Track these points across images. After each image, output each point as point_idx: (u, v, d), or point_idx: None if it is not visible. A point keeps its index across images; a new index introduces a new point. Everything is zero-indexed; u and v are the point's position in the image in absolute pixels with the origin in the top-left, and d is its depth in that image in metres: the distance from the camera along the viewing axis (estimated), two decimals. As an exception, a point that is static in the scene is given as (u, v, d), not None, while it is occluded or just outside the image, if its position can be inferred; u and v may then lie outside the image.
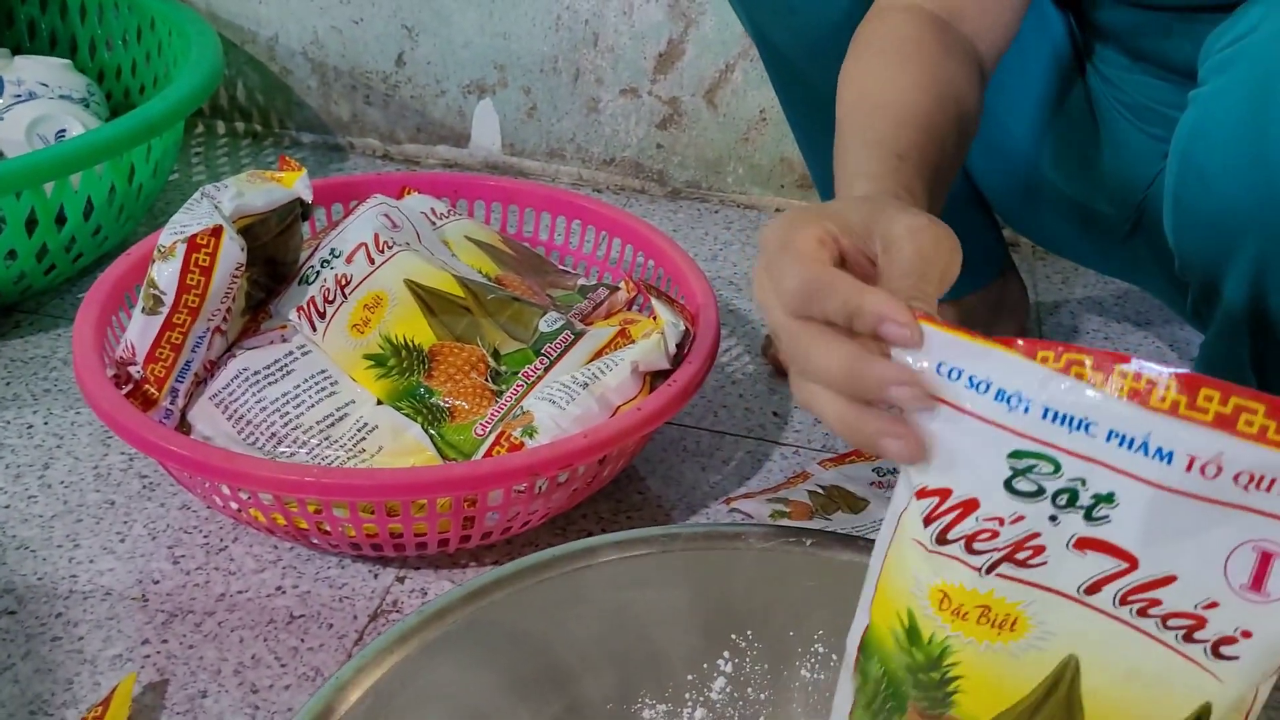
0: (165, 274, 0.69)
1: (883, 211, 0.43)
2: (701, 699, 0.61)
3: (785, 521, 0.75)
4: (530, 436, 0.69)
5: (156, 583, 0.72)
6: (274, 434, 0.72)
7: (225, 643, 0.68)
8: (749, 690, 0.61)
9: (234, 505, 0.68)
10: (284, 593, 0.72)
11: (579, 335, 0.76)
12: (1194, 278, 0.67)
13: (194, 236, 0.69)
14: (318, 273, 0.79)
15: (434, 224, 0.88)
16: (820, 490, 0.79)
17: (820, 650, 0.61)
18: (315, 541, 0.70)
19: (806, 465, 0.85)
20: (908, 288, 0.39)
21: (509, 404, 0.73)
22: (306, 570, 0.74)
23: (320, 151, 1.41)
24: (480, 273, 0.84)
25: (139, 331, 0.70)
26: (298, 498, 0.64)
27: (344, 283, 0.78)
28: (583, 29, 1.27)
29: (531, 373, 0.74)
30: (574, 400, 0.70)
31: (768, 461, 0.87)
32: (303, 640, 0.68)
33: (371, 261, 0.78)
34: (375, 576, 0.73)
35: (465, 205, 0.99)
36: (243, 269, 0.72)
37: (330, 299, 0.77)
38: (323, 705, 0.49)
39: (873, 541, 0.60)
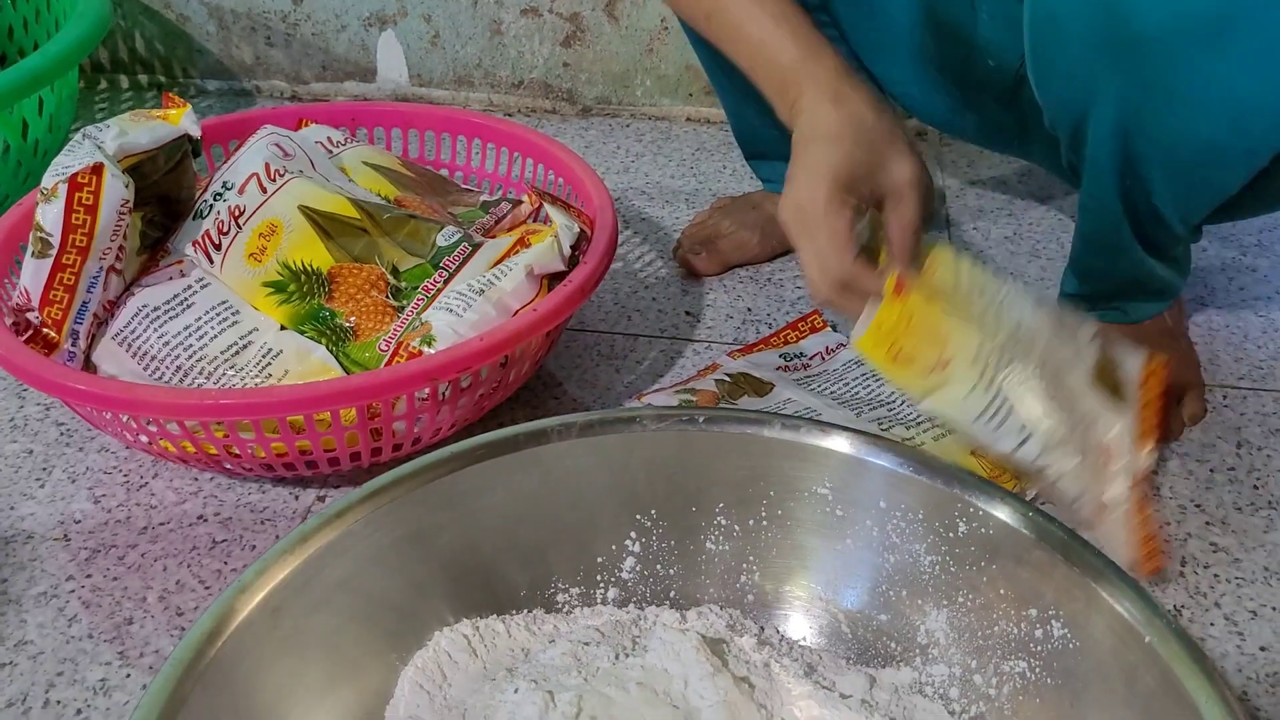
0: (50, 215, 0.69)
1: (884, 157, 0.61)
2: (613, 579, 0.63)
3: (694, 410, 0.77)
4: (429, 345, 0.70)
5: (78, 522, 0.73)
6: (179, 367, 0.73)
7: (149, 572, 0.69)
8: (658, 567, 0.63)
9: (144, 439, 0.69)
10: (206, 521, 0.73)
11: (476, 247, 0.77)
12: (1062, 130, 0.69)
13: (75, 176, 0.69)
14: (211, 206, 0.79)
15: (330, 152, 0.88)
16: (728, 379, 0.80)
17: (722, 522, 0.63)
18: (229, 467, 0.71)
19: (717, 358, 0.86)
20: (909, 243, 0.62)
21: (411, 318, 0.74)
22: (227, 498, 0.75)
23: (227, 98, 1.40)
24: (378, 195, 0.85)
25: (31, 276, 0.70)
26: (201, 422, 0.65)
27: (238, 214, 0.78)
28: (477, -50, 1.26)
29: (431, 286, 0.75)
30: (471, 307, 0.71)
31: (681, 359, 0.89)
32: (225, 563, 0.70)
33: (264, 191, 0.78)
34: (296, 498, 0.75)
35: (365, 134, 0.99)
36: (129, 205, 0.72)
37: (225, 230, 0.77)
38: (225, 608, 0.50)
39: (766, 416, 0.62)
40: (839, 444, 0.60)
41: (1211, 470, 0.76)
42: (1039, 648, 0.54)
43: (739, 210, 1.01)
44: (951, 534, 0.57)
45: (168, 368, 0.73)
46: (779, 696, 0.55)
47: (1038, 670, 0.54)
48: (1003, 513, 0.55)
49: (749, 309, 0.95)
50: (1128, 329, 0.80)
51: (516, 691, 0.53)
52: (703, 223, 1.02)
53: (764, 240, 0.99)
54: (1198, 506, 0.73)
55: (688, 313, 0.95)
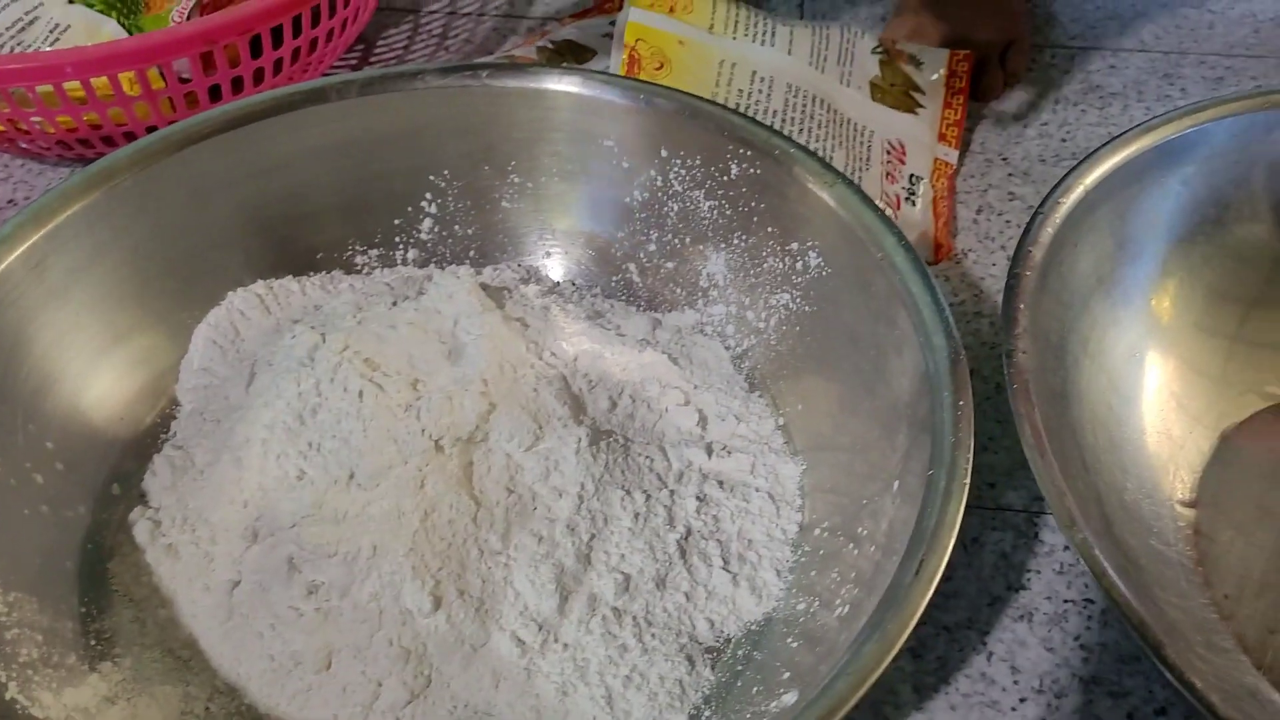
0: None
1: None
2: (412, 240, 0.64)
3: (508, 78, 0.76)
4: None
5: (-115, 212, 0.72)
6: (-36, 46, 0.71)
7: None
8: (455, 227, 0.64)
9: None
10: (15, 204, 0.72)
11: (269, -92, 0.73)
12: None
13: None
14: (-17, -128, 0.73)
15: None
16: (550, 45, 0.79)
17: (516, 180, 0.63)
18: (25, 146, 0.70)
19: (548, 25, 0.84)
20: None
21: (204, -14, 0.71)
22: (38, 182, 0.74)
23: None
24: None
25: None
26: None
27: (11, -122, 0.73)
28: None
29: (224, -48, 0.71)
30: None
31: (514, 36, 0.87)
32: (35, 244, 0.70)
33: None
34: (109, 181, 0.74)
35: None
36: None
37: (-1, -102, 0.73)
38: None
39: (549, 70, 0.61)
40: (620, 96, 0.60)
41: (1025, 126, 0.77)
42: (799, 279, 0.56)
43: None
44: (725, 177, 0.58)
45: (-48, 47, 0.70)
46: (552, 334, 0.57)
47: (798, 300, 0.57)
48: (771, 152, 0.56)
49: (590, -17, 0.92)
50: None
51: (293, 336, 0.55)
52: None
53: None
54: (1003, 159, 0.74)
55: (526, -11, 0.92)
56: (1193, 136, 0.55)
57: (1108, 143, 0.54)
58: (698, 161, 0.59)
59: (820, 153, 0.68)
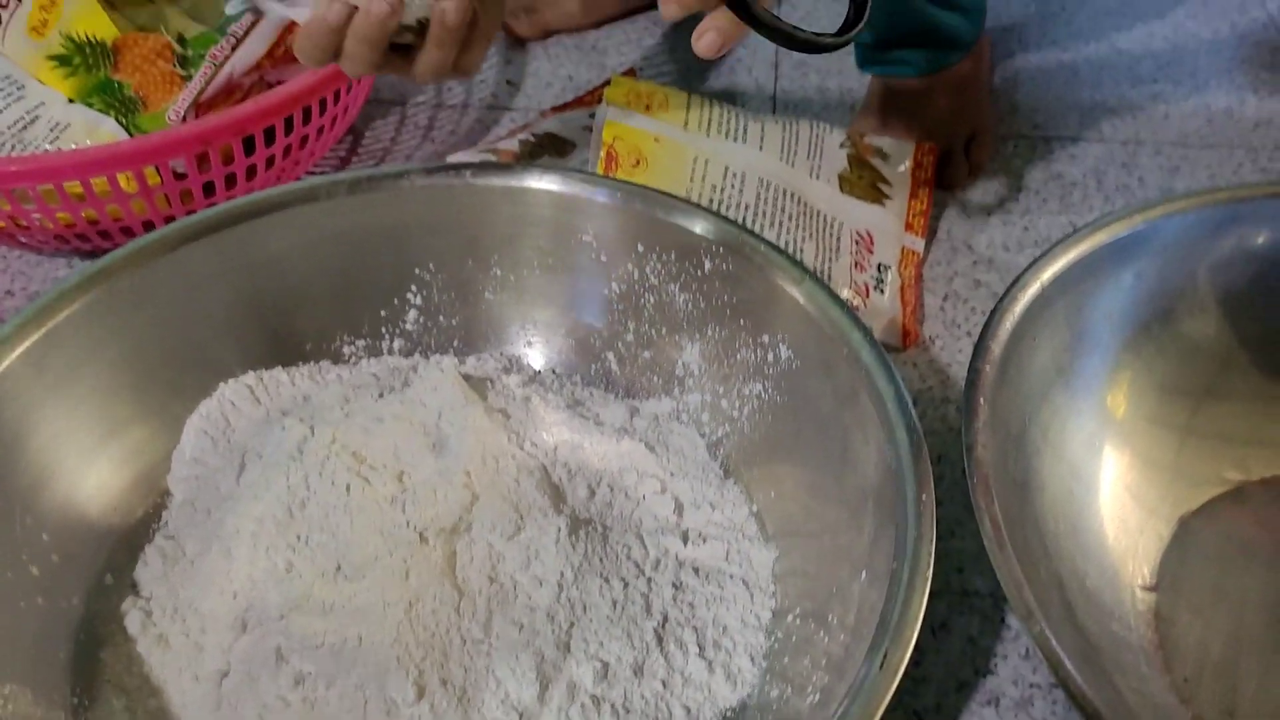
0: None
1: None
2: (398, 330, 0.66)
3: (492, 171, 0.79)
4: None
5: (-116, 302, 0.74)
6: (-34, 144, 0.73)
7: (-45, 345, 0.71)
8: (440, 318, 0.66)
9: (-65, 215, 0.70)
10: (13, 295, 0.74)
11: (262, 14, 0.76)
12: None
13: None
14: (-12, -22, 0.77)
15: (123, -81, 0.85)
16: (532, 138, 0.82)
17: (498, 273, 0.65)
18: (24, 241, 0.72)
19: (529, 117, 0.87)
20: None
21: (198, 86, 0.73)
22: (35, 273, 0.76)
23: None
24: (172, -36, 0.83)
25: None
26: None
27: (15, -16, 0.76)
28: None
29: (219, 53, 0.74)
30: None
31: (496, 127, 0.90)
32: (31, 334, 0.72)
33: (42, -41, 0.76)
34: (104, 272, 0.76)
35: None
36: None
37: (4, 4, 0.76)
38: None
39: (528, 168, 0.63)
40: (597, 194, 0.62)
41: (989, 215, 0.80)
42: (771, 370, 0.59)
43: (563, -26, 0.99)
44: (699, 271, 0.61)
45: (-46, 145, 0.73)
46: (533, 424, 0.59)
47: (770, 390, 0.59)
48: (741, 249, 0.59)
49: (570, 76, 0.95)
50: (919, 81, 0.82)
51: (283, 429, 0.57)
52: (525, -13, 1.00)
53: (587, 6, 0.99)
54: (969, 247, 0.77)
55: (509, 81, 0.95)
56: (1145, 232, 0.58)
57: (1064, 238, 0.57)
58: (672, 256, 0.61)
59: (791, 244, 0.71)
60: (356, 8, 0.51)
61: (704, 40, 0.50)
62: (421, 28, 0.54)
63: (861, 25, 0.53)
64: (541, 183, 0.63)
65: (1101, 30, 0.99)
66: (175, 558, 0.55)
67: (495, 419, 0.58)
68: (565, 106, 0.88)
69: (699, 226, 0.60)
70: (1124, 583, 0.54)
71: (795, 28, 0.50)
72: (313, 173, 0.82)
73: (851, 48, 0.84)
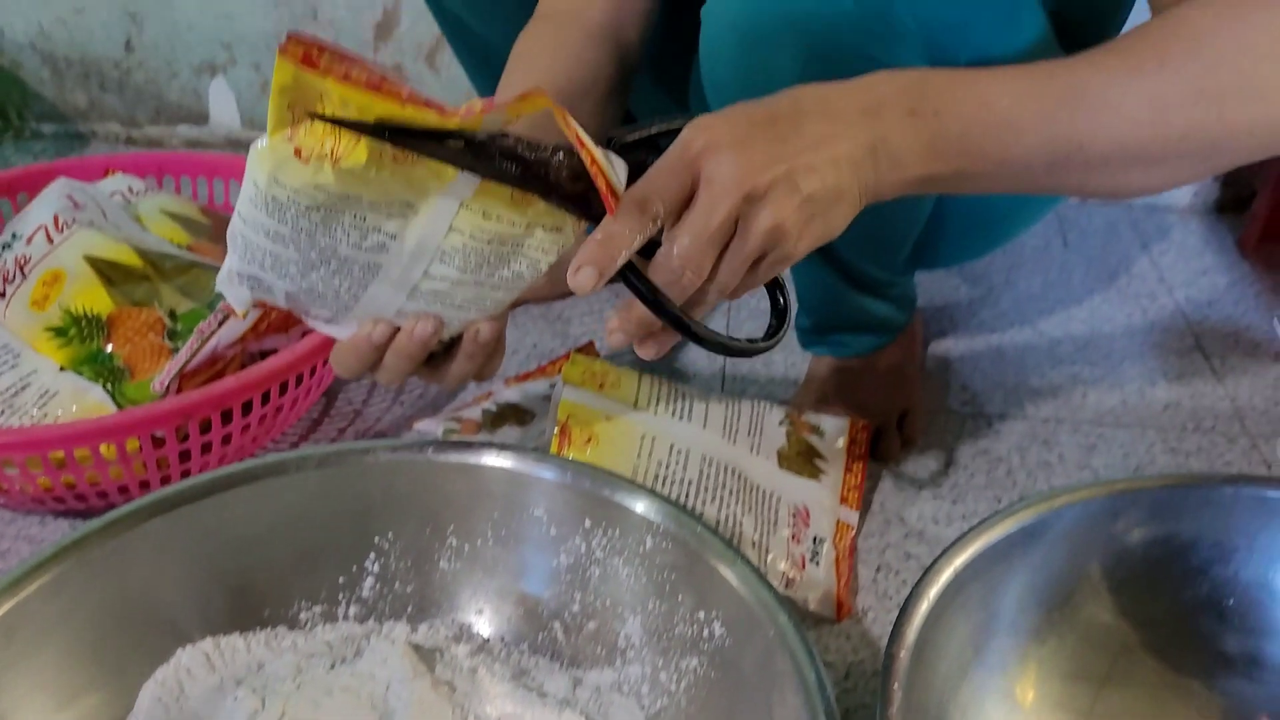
0: None
1: None
2: (355, 597, 0.69)
3: (454, 438, 0.84)
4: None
5: None
6: (-41, 408, 0.78)
7: (-77, 602, 0.73)
8: (396, 585, 0.70)
9: (-80, 476, 0.74)
10: (-15, 553, 0.78)
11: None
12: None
13: None
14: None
15: (129, 200, 0.93)
16: (494, 408, 0.87)
17: (454, 543, 0.69)
18: (2, 502, 0.76)
19: (493, 385, 0.93)
20: None
21: (184, 358, 0.79)
22: (8, 530, 0.79)
23: (62, 141, 1.44)
24: (172, 242, 0.90)
25: None
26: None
27: (23, 263, 0.83)
28: (302, 4, 1.32)
29: (206, 327, 0.80)
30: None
31: (463, 393, 0.96)
32: (-1, 592, 0.74)
33: (50, 241, 0.83)
34: (74, 529, 0.79)
35: (172, 182, 1.04)
36: (-90, 257, 0.77)
37: (10, 279, 0.82)
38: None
39: (485, 446, 0.68)
40: (547, 473, 0.67)
41: (920, 488, 0.85)
42: (707, 645, 0.62)
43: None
44: (642, 549, 0.65)
45: (-53, 409, 0.78)
46: (478, 696, 0.62)
47: (705, 665, 0.62)
48: (680, 530, 0.63)
49: (534, 344, 1.02)
50: (855, 361, 0.89)
51: (235, 699, 0.59)
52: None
53: (554, 279, 1.07)
54: (901, 519, 0.82)
55: (477, 349, 1.01)
56: (1049, 519, 0.63)
57: (975, 526, 0.62)
58: (617, 533, 0.66)
59: (731, 519, 0.75)
60: (399, 328, 0.57)
61: (645, 348, 0.56)
62: (452, 341, 0.60)
63: (783, 332, 0.60)
64: (497, 460, 0.68)
65: (1025, 314, 1.08)
66: (118, 830, 0.56)
67: (441, 692, 0.60)
68: (527, 376, 0.94)
69: (641, 506, 0.64)
70: None
71: (731, 338, 0.57)
72: (285, 435, 0.86)
73: (793, 330, 0.92)
